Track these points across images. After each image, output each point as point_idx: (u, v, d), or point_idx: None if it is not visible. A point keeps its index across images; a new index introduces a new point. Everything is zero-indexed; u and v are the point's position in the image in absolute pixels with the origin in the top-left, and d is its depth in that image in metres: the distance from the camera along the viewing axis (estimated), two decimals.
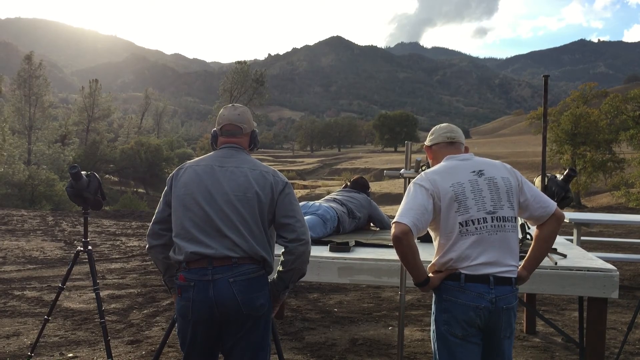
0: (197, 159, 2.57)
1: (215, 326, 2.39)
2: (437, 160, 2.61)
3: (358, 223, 4.69)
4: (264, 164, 2.58)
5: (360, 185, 5.03)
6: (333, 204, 4.56)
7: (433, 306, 2.47)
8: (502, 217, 2.39)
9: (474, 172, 2.43)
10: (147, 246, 2.58)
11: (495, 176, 2.44)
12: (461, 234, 2.36)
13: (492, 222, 2.37)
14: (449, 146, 2.60)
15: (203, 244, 2.36)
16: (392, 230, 2.31)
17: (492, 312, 2.34)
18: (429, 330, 4.94)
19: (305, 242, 2.43)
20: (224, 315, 2.34)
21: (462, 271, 2.35)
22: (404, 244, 2.29)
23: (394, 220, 2.34)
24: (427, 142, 2.69)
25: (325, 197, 4.92)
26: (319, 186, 59.14)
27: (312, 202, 4.66)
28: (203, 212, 2.38)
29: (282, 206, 2.44)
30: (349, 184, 5.10)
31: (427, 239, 4.13)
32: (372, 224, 4.94)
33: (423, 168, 2.86)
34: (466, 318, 2.33)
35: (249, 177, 2.42)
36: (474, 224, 2.35)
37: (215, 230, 2.36)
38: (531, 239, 3.99)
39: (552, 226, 2.55)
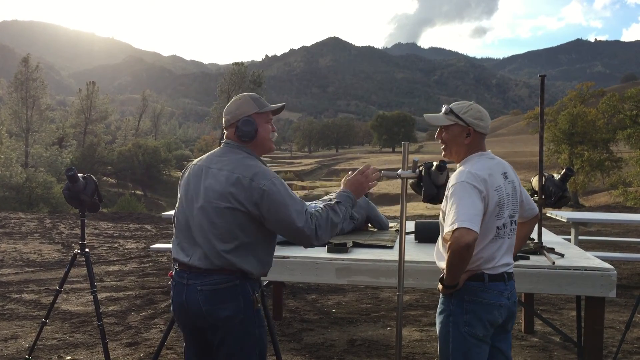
0: (201, 156, 2.51)
1: (196, 328, 2.36)
2: (470, 148, 2.44)
3: (356, 224, 4.69)
4: (259, 164, 2.37)
5: None
6: None
7: (448, 308, 2.39)
8: (516, 220, 2.46)
9: (502, 174, 2.41)
10: None
11: (514, 180, 2.46)
12: (494, 237, 2.35)
13: (511, 225, 2.41)
14: (484, 138, 2.49)
15: (184, 250, 2.35)
16: (461, 236, 2.14)
17: (509, 307, 2.40)
18: (427, 330, 4.95)
19: (312, 237, 2.26)
20: (195, 320, 2.31)
21: (486, 271, 2.35)
22: (471, 252, 2.19)
23: (461, 225, 2.15)
24: (474, 126, 2.41)
25: (323, 198, 4.89)
26: (317, 187, 59.12)
27: (307, 204, 4.61)
28: (184, 218, 2.37)
29: (268, 215, 2.23)
30: None
31: (425, 240, 4.14)
32: (369, 225, 4.93)
33: (420, 168, 2.84)
34: (490, 317, 2.34)
35: (225, 183, 2.26)
36: (504, 228, 2.37)
37: (191, 237, 2.34)
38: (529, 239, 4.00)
39: (532, 225, 2.68)
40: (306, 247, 2.34)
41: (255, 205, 2.23)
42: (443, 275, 2.34)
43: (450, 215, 2.23)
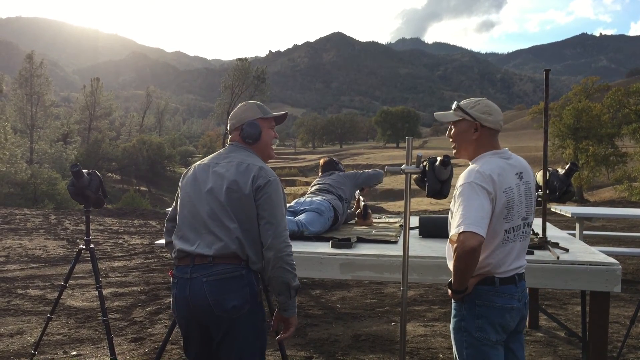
0: (205, 158, 2.57)
1: (200, 324, 2.35)
2: (479, 144, 2.37)
3: (348, 204, 4.67)
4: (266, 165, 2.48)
5: (328, 166, 4.95)
6: (324, 196, 4.55)
7: (459, 313, 2.33)
8: (529, 222, 2.37)
9: (516, 174, 2.30)
10: (164, 242, 2.62)
11: (530, 181, 2.36)
12: (503, 241, 2.27)
13: (524, 228, 2.33)
14: (496, 135, 2.38)
15: (189, 241, 2.35)
16: (466, 240, 2.09)
17: (520, 310, 2.33)
18: (432, 325, 4.95)
19: (268, 247, 2.27)
20: (200, 314, 2.30)
21: (497, 275, 2.28)
22: (476, 256, 2.12)
23: (466, 229, 2.10)
24: (482, 120, 2.34)
25: (311, 191, 4.78)
26: None
27: (303, 198, 4.58)
28: (190, 211, 2.38)
29: (259, 204, 2.32)
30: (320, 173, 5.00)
31: (430, 235, 4.13)
32: (360, 195, 4.83)
33: (424, 163, 2.83)
34: (502, 321, 2.27)
35: (236, 171, 2.36)
36: (514, 231, 2.28)
37: (197, 226, 2.34)
38: (534, 234, 4.00)
39: None
40: (264, 247, 2.30)
41: (257, 189, 2.31)
42: (451, 280, 2.26)
43: (456, 217, 2.18)
